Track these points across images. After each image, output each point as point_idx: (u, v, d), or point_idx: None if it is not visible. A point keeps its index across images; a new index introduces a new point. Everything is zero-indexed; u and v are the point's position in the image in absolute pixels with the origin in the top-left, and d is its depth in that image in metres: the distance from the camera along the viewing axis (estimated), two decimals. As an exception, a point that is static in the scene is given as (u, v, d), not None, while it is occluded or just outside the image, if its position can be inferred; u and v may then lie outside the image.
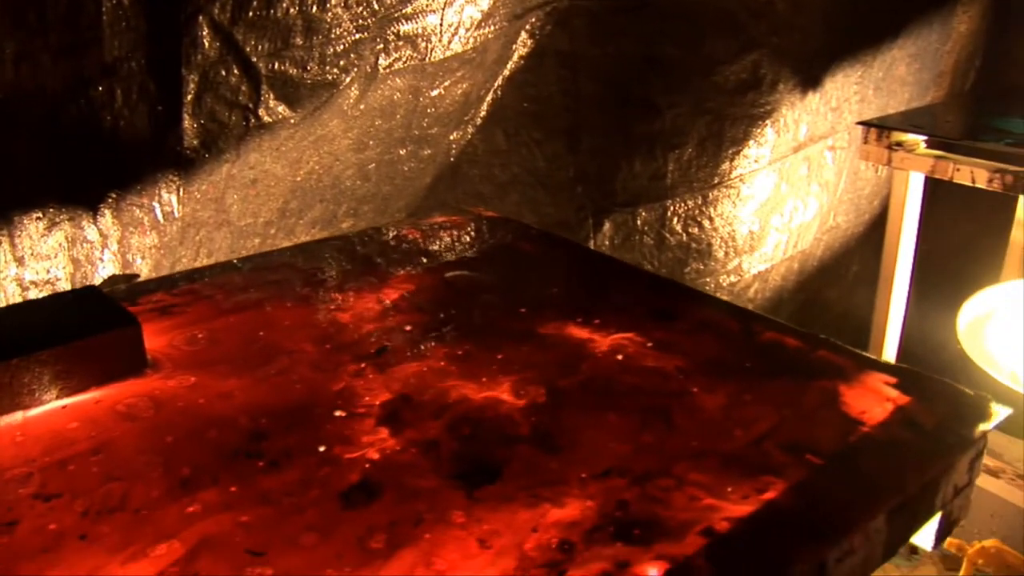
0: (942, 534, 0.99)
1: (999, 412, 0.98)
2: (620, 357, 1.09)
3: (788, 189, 2.93)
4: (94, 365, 1.03)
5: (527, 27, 2.08)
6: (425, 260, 1.39)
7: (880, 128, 2.46)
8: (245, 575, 0.74)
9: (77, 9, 1.22)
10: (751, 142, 2.65)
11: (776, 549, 0.77)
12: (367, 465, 0.89)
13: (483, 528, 0.80)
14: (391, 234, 1.50)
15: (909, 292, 2.47)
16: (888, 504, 0.84)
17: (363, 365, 1.07)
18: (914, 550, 2.54)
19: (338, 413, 0.98)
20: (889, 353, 2.50)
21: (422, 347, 1.11)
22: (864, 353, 1.10)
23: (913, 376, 1.04)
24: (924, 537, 0.98)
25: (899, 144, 2.41)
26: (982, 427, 0.95)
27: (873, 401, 1.00)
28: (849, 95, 3.04)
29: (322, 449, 0.91)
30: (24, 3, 1.19)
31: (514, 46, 2.09)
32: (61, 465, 0.90)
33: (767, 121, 2.68)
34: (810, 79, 2.82)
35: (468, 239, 1.48)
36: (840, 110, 3.01)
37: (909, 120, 2.59)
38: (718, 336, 1.15)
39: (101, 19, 1.25)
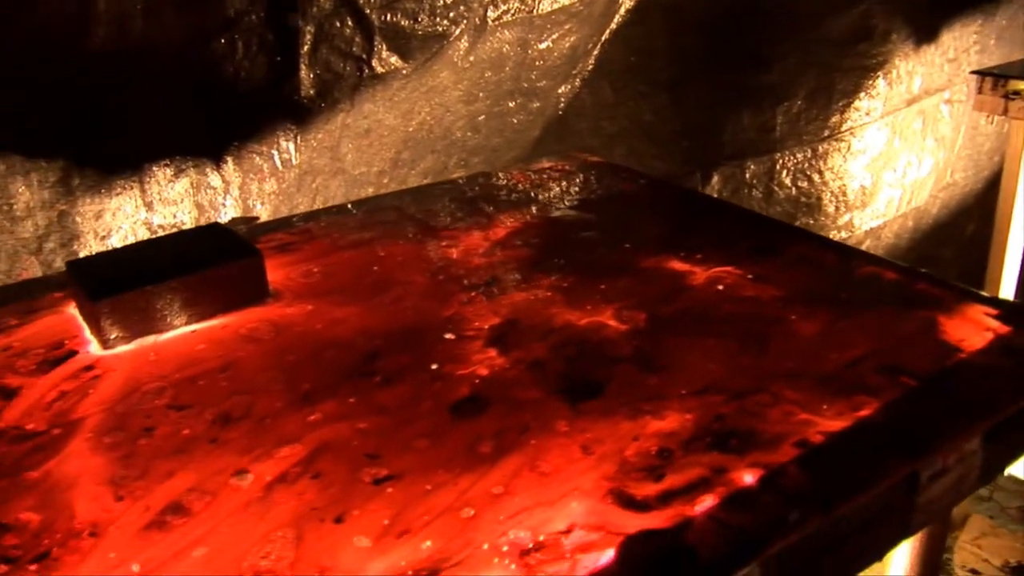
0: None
1: (1103, 341, 0.98)
2: (719, 287, 1.12)
3: (901, 144, 2.88)
4: (220, 293, 1.10)
5: (633, -21, 2.10)
6: (532, 201, 1.43)
7: (996, 77, 2.40)
8: (362, 474, 0.80)
9: (201, -37, 1.30)
10: (862, 94, 2.61)
11: (868, 462, 0.79)
12: (476, 381, 0.94)
13: (586, 436, 0.84)
14: (499, 178, 1.54)
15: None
16: (983, 425, 0.86)
17: (472, 294, 1.12)
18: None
19: (448, 336, 1.03)
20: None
21: (529, 279, 1.16)
22: (965, 286, 1.11)
23: (1015, 307, 1.05)
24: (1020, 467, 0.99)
25: (1016, 93, 2.35)
26: (1083, 354, 0.95)
27: (972, 330, 1.00)
28: (968, 45, 2.96)
29: (433, 367, 0.97)
30: (152, -42, 1.26)
31: (621, 1, 2.11)
32: (191, 381, 0.97)
33: (879, 73, 2.64)
34: (925, 29, 2.76)
35: (574, 182, 1.51)
36: (958, 61, 2.93)
37: (1029, 70, 2.52)
38: (816, 269, 1.16)
39: (223, -26, 1.32)
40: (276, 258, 1.25)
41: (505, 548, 0.71)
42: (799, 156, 2.52)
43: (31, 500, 0.78)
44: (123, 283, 1.05)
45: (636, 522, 0.73)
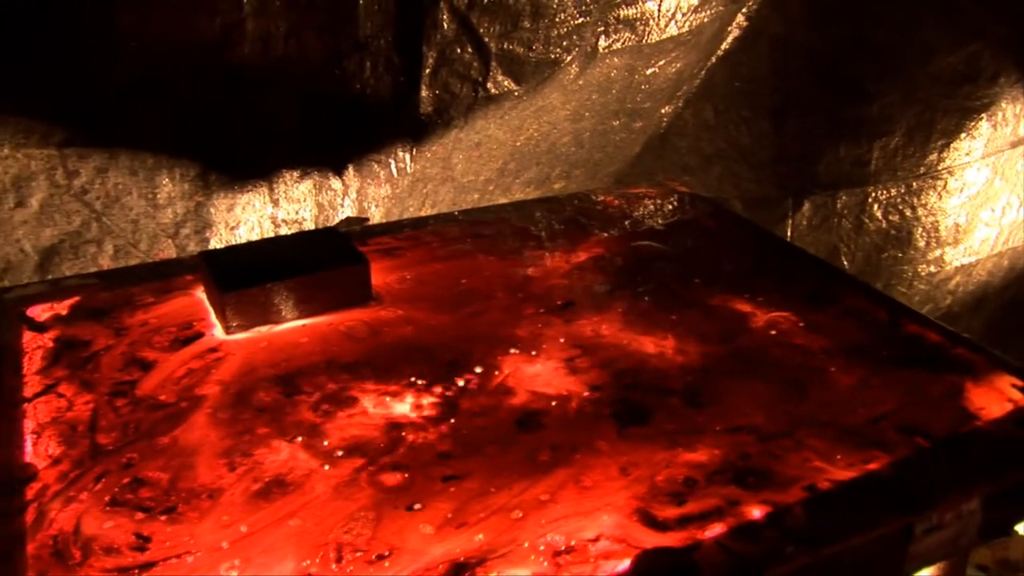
0: (1049, 530, 1.10)
1: (1116, 421, 1.08)
2: (773, 332, 1.24)
3: (1002, 184, 2.90)
4: (329, 294, 1.26)
5: (743, 10, 2.19)
6: (619, 227, 1.57)
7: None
8: (435, 471, 0.95)
9: (341, -7, 1.46)
10: (963, 135, 2.65)
11: (866, 511, 0.92)
12: (541, 398, 1.08)
13: (626, 459, 0.98)
14: (593, 201, 1.68)
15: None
16: (983, 490, 0.97)
17: (548, 315, 1.26)
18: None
19: (520, 352, 1.17)
20: None
21: (601, 305, 1.29)
22: (1004, 356, 1.20)
23: (1040, 380, 1.15)
24: (1030, 527, 1.09)
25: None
26: (1094, 433, 1.05)
27: (995, 399, 1.11)
28: None
29: (506, 381, 1.11)
30: (298, -14, 1.43)
31: (729, 28, 2.20)
32: (298, 370, 1.13)
33: (983, 114, 2.67)
34: None
35: (660, 211, 1.64)
36: None
37: None
38: (865, 322, 1.27)
39: (358, 3, 1.47)
40: (381, 262, 1.41)
41: (542, 548, 0.85)
42: (892, 191, 2.58)
43: (161, 461, 0.95)
44: (248, 278, 1.22)
45: (653, 539, 0.86)
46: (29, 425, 1.01)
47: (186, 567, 0.81)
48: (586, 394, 1.09)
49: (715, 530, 0.88)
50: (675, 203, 1.68)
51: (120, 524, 0.86)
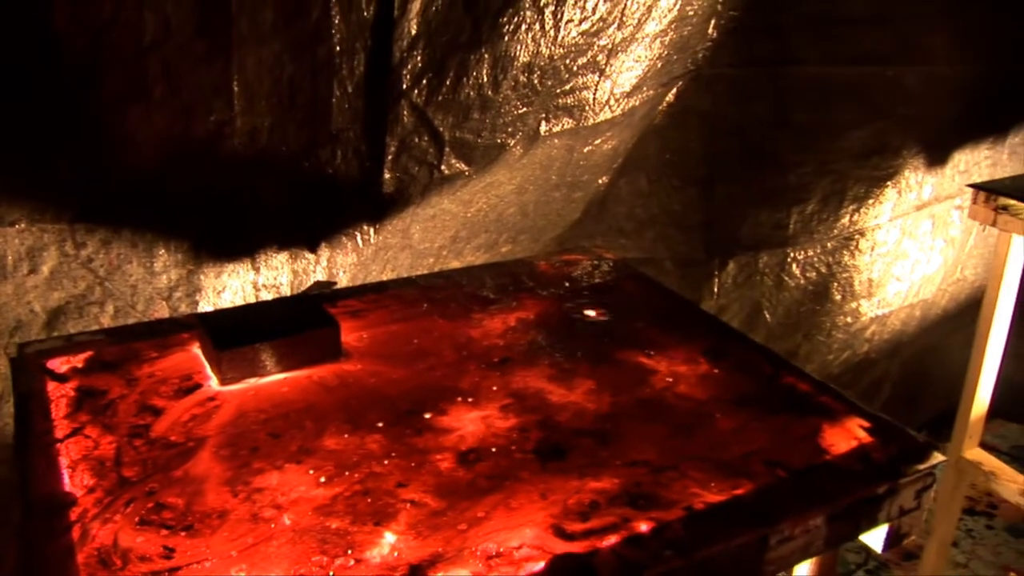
0: (890, 542, 1.36)
1: (939, 458, 1.35)
2: (671, 380, 1.50)
3: (911, 243, 3.18)
4: (306, 351, 1.52)
5: (673, 91, 2.47)
6: (549, 291, 1.83)
7: (988, 191, 2.72)
8: (396, 494, 1.20)
9: (315, 94, 1.72)
10: (872, 200, 2.93)
11: (730, 525, 1.18)
12: (481, 438, 1.34)
13: (546, 486, 1.23)
14: (530, 267, 1.95)
15: (1006, 346, 2.70)
16: (825, 510, 1.23)
17: (488, 370, 1.52)
18: None
19: (465, 400, 1.43)
20: (982, 398, 2.71)
21: (532, 361, 1.56)
22: (857, 402, 1.48)
23: (883, 423, 1.42)
24: (875, 540, 1.36)
25: (1004, 207, 2.67)
26: (918, 466, 1.32)
27: (845, 438, 1.38)
28: (979, 159, 3.25)
29: (453, 424, 1.37)
30: (280, 90, 1.69)
31: (660, 106, 2.47)
32: (283, 415, 1.38)
33: (890, 182, 2.95)
34: (937, 146, 3.06)
35: (587, 277, 1.91)
36: (969, 173, 3.22)
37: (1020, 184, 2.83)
38: (751, 375, 1.54)
39: (332, 101, 1.74)
40: (349, 322, 1.66)
41: (478, 553, 1.11)
42: (809, 251, 2.86)
43: (177, 489, 1.20)
44: (239, 338, 1.47)
45: (563, 547, 1.12)
46: (64, 461, 1.25)
47: (205, 570, 1.06)
48: (516, 435, 1.35)
49: (610, 540, 1.13)
50: (600, 268, 1.95)
51: (149, 538, 1.10)
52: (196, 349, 1.57)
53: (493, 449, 1.32)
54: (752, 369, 1.57)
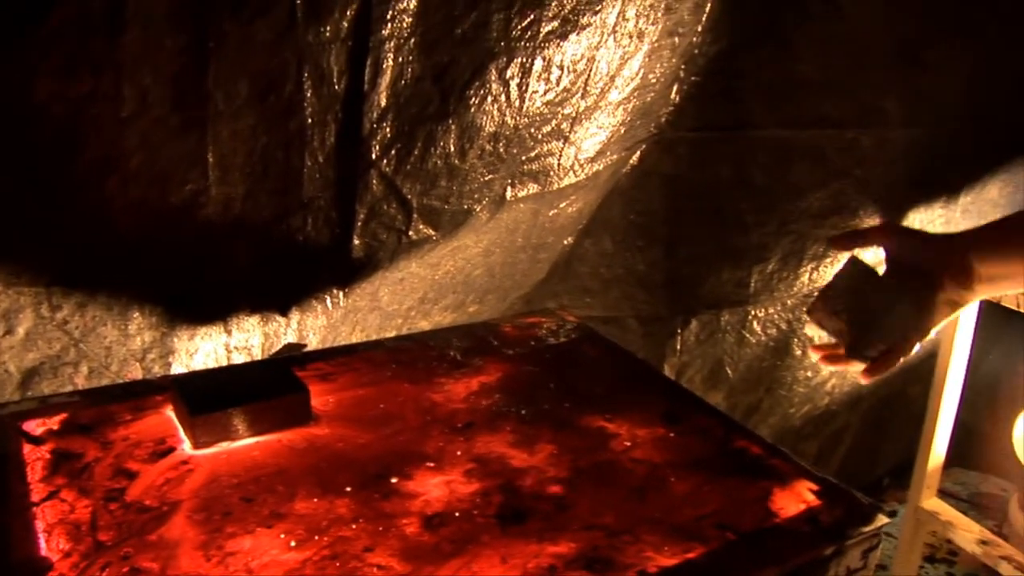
0: (838, 601, 1.42)
1: (884, 520, 1.42)
2: (629, 445, 1.56)
3: (869, 299, 3.24)
4: (277, 416, 1.57)
5: (637, 154, 2.54)
6: (512, 353, 1.89)
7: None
8: (364, 558, 1.25)
9: (287, 164, 1.78)
10: (831, 259, 3.01)
11: (682, 587, 1.24)
12: (445, 501, 1.39)
13: (506, 550, 1.29)
14: (494, 330, 2.01)
15: (960, 402, 2.77)
16: (775, 572, 1.29)
17: (452, 435, 1.58)
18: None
19: (430, 465, 1.49)
20: (939, 449, 2.78)
21: (494, 426, 1.61)
22: (806, 465, 1.54)
23: (830, 486, 1.48)
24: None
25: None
26: (863, 528, 1.39)
27: (794, 501, 1.44)
28: (934, 218, 3.35)
29: (418, 489, 1.42)
30: (254, 160, 1.75)
31: (624, 169, 2.55)
32: (255, 479, 1.43)
33: (848, 242, 3.02)
34: (893, 206, 3.15)
35: (549, 339, 1.97)
36: (925, 231, 3.31)
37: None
38: (705, 438, 1.61)
39: (303, 171, 1.80)
40: (318, 385, 1.72)
41: (439, 619, 1.16)
42: (770, 309, 2.94)
43: (152, 554, 1.24)
44: (212, 403, 1.52)
45: (521, 612, 1.17)
46: (40, 525, 1.29)
47: (174, 633, 1.11)
48: (479, 500, 1.40)
49: (566, 603, 1.19)
50: (563, 330, 2.02)
51: (123, 602, 1.15)
52: (170, 412, 1.62)
53: (456, 514, 1.37)
54: (706, 432, 1.63)
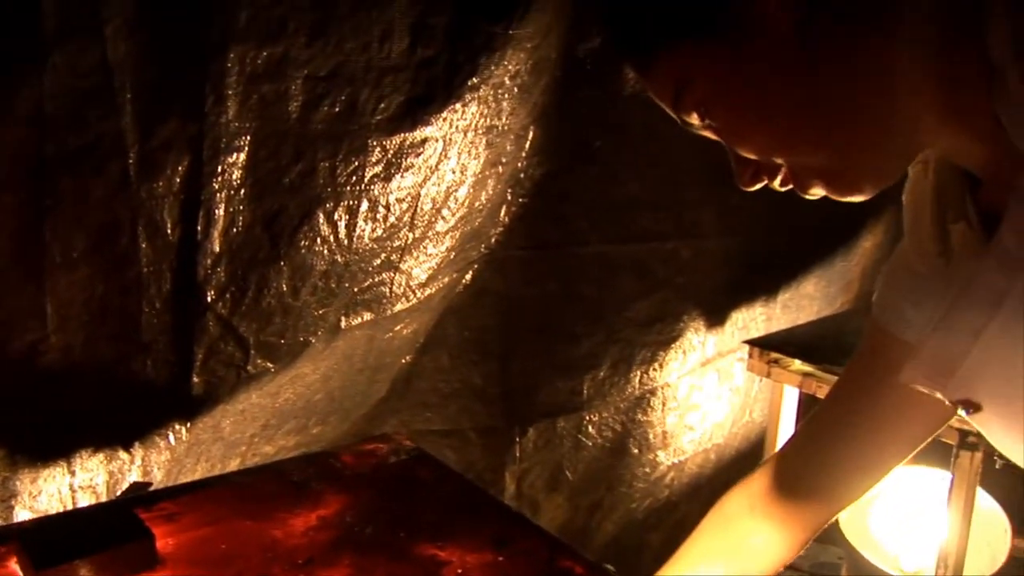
0: None
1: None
2: (460, 572, 1.67)
3: (699, 396, 3.46)
4: (122, 563, 1.62)
5: (469, 273, 2.68)
6: (350, 482, 1.99)
7: (760, 346, 3.04)
8: None
9: (125, 311, 1.85)
10: (659, 363, 3.20)
11: None
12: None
13: None
14: (331, 458, 2.10)
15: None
16: None
17: (294, 571, 1.66)
18: None
19: (268, 606, 1.57)
20: None
21: (331, 560, 1.70)
22: (621, 578, 1.67)
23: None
24: None
25: (776, 360, 2.98)
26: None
27: (611, 615, 1.57)
28: (756, 316, 3.59)
29: (254, 630, 1.50)
30: (92, 309, 1.82)
31: (457, 289, 2.68)
32: (95, 632, 1.48)
33: (673, 345, 3.23)
34: (715, 309, 3.37)
35: (384, 465, 2.07)
36: (747, 328, 3.54)
37: (792, 337, 3.16)
38: (529, 560, 1.72)
39: (141, 317, 1.88)
40: (163, 527, 1.77)
41: None
42: (604, 413, 3.09)
43: None
44: (57, 554, 1.56)
45: None
46: None
47: None
48: (315, 635, 1.49)
49: None
50: (398, 456, 2.12)
51: None
52: (14, 565, 1.65)
53: (294, 650, 1.45)
54: (532, 554, 1.75)
